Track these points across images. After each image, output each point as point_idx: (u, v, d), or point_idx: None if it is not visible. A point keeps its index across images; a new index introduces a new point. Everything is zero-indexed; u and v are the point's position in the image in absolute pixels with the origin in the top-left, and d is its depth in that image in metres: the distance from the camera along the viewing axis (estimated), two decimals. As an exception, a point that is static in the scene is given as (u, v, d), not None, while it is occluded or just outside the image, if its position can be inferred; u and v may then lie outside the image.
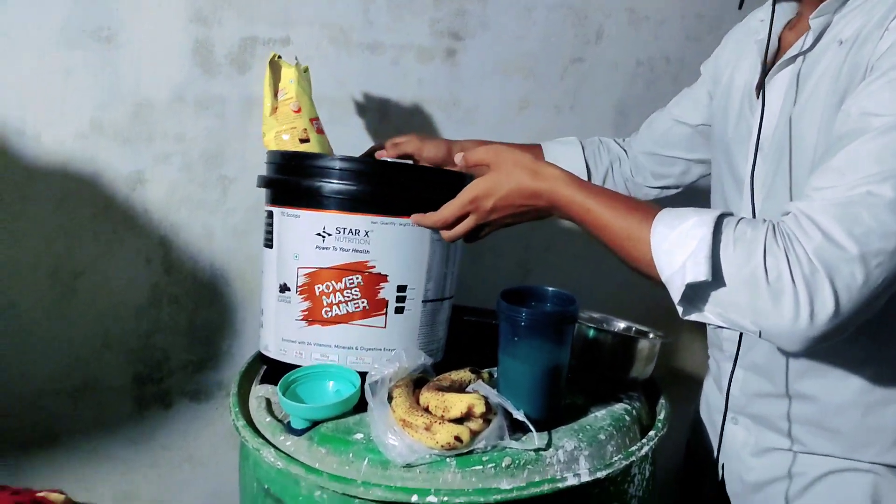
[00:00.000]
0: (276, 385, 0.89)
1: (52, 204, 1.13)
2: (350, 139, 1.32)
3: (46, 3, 1.07)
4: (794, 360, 0.87)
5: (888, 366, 0.82)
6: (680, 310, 0.70)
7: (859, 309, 0.64)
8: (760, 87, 0.87)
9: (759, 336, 0.67)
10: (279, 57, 1.03)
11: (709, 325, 0.73)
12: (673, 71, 1.56)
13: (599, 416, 0.90)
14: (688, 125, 1.09)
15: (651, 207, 0.75)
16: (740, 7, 0.95)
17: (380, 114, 1.34)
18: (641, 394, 1.00)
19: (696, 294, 0.68)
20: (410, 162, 1.11)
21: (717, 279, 0.66)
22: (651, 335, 1.03)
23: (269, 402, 0.93)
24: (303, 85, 1.04)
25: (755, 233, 0.66)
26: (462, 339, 1.10)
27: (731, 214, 0.70)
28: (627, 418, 0.91)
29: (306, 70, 1.08)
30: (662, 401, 0.98)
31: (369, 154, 1.14)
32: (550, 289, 0.89)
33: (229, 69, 1.20)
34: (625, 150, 1.19)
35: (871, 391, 0.83)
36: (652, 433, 0.89)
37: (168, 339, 1.26)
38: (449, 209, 0.86)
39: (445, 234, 0.89)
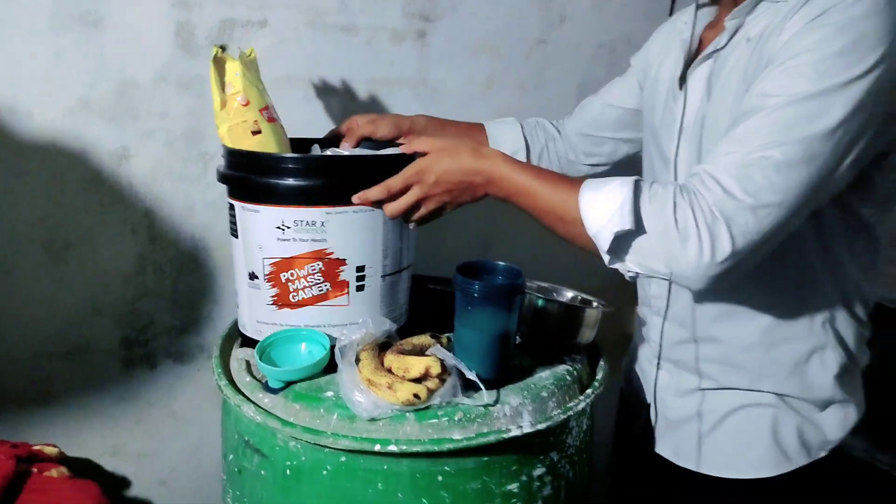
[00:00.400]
0: (254, 349, 0.99)
1: (44, 178, 1.21)
2: (324, 117, 1.40)
3: (36, -12, 1.13)
4: (709, 308, 1.00)
5: (784, 310, 0.96)
6: (606, 258, 0.83)
7: (752, 251, 0.77)
8: (683, 79, 0.99)
9: (671, 279, 0.80)
10: (222, 50, 1.05)
11: (630, 277, 0.86)
12: (633, 52, 1.63)
13: (544, 377, 1.01)
14: (618, 108, 1.20)
15: (577, 179, 0.87)
16: (671, 13, 1.05)
17: (353, 92, 1.42)
18: (584, 356, 1.12)
19: (620, 245, 0.81)
20: (360, 150, 1.17)
21: (637, 230, 0.79)
22: (595, 304, 1.14)
23: (248, 363, 1.03)
24: (248, 77, 1.05)
25: (665, 190, 0.79)
26: (427, 306, 1.20)
27: (645, 180, 0.82)
28: (569, 378, 1.02)
29: (251, 54, 1.10)
30: (602, 363, 1.09)
31: (331, 137, 1.20)
32: (501, 263, 0.99)
33: (209, 50, 1.27)
34: (559, 131, 1.29)
35: (770, 332, 0.97)
36: (589, 391, 1.01)
37: (153, 304, 1.35)
38: (394, 180, 0.94)
39: (388, 206, 0.96)
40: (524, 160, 1.23)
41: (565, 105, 1.63)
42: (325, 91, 1.39)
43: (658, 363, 1.10)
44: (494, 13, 1.50)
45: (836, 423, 0.98)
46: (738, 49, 0.90)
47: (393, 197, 0.95)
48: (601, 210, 0.80)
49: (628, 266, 0.83)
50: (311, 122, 1.38)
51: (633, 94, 1.18)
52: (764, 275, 0.90)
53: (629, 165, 1.25)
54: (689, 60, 0.99)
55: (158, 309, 1.36)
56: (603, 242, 0.81)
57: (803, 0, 0.80)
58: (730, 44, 0.92)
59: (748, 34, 0.89)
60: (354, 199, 0.96)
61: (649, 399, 1.12)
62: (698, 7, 1.00)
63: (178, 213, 1.32)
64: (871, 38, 0.74)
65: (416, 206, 0.96)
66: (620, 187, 0.80)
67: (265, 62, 1.30)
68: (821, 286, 0.94)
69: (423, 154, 0.95)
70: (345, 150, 1.16)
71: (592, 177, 0.97)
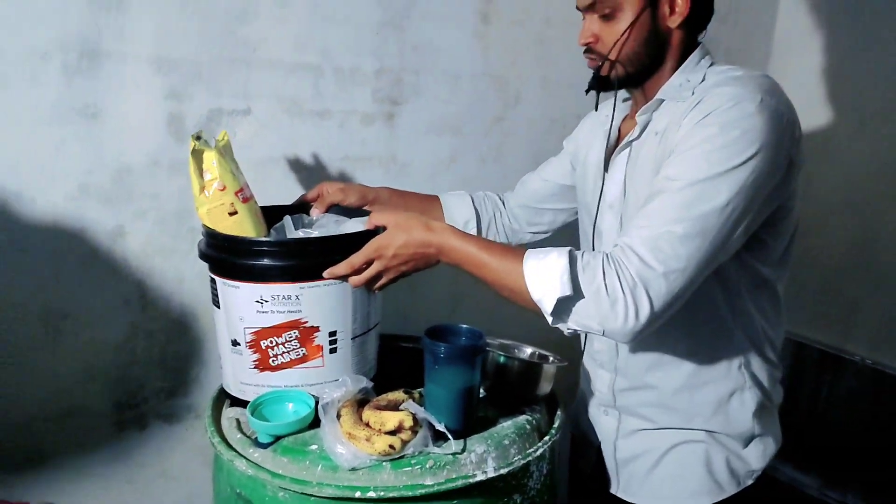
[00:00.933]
0: (243, 408, 1.09)
1: (45, 255, 1.31)
2: (302, 190, 1.53)
3: (41, 85, 1.25)
4: (642, 359, 1.15)
5: (704, 357, 1.12)
6: (550, 320, 0.97)
7: (666, 308, 0.93)
8: (606, 164, 1.16)
9: (603, 334, 0.95)
10: (199, 139, 1.14)
11: (568, 333, 1.00)
12: (582, 126, 1.82)
13: (506, 426, 1.13)
14: (554, 184, 1.38)
15: (519, 249, 1.01)
16: (596, 108, 1.22)
17: (327, 169, 1.56)
18: (543, 406, 1.24)
19: (562, 308, 0.95)
20: (329, 216, 1.31)
21: (575, 294, 0.93)
22: (551, 359, 1.27)
23: (238, 421, 1.14)
24: (224, 164, 1.14)
25: (595, 260, 0.94)
26: (400, 363, 1.32)
27: (577, 250, 0.97)
28: (528, 427, 1.14)
29: (224, 138, 1.19)
30: (559, 412, 1.22)
31: (301, 202, 1.34)
32: (464, 326, 1.12)
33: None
34: (503, 203, 1.45)
35: (695, 376, 1.12)
36: (547, 438, 1.13)
37: (143, 369, 1.44)
38: (356, 257, 1.08)
39: (353, 279, 1.10)
40: (475, 229, 1.38)
41: (523, 174, 1.79)
42: (302, 169, 1.53)
43: (604, 409, 1.23)
44: (455, 96, 1.66)
45: (758, 454, 1.13)
46: (649, 141, 1.07)
47: (357, 271, 1.09)
48: (543, 279, 0.95)
49: (569, 325, 0.97)
50: (289, 194, 1.51)
51: (567, 172, 1.35)
52: (684, 328, 1.07)
53: (567, 232, 1.41)
54: (612, 148, 1.17)
55: (148, 373, 1.45)
56: (547, 306, 0.95)
57: (695, 102, 0.98)
58: (642, 136, 1.09)
59: (656, 128, 1.06)
60: (325, 274, 1.09)
61: (597, 441, 1.25)
62: (615, 106, 1.18)
63: (168, 285, 1.43)
64: (749, 134, 0.92)
65: (377, 276, 1.10)
66: (558, 258, 0.95)
67: (248, 146, 1.45)
68: (733, 335, 1.10)
69: (383, 228, 1.09)
70: (314, 214, 1.30)
71: (535, 244, 1.13)
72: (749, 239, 1.00)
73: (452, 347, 1.07)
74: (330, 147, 1.55)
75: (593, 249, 1.21)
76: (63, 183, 1.30)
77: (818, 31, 1.90)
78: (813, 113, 1.95)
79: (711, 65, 1.07)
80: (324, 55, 1.49)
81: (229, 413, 1.17)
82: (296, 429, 1.08)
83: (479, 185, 1.74)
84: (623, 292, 0.91)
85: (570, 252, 0.96)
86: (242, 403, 1.14)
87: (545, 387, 1.22)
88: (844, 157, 1.89)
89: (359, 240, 1.11)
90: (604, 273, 0.92)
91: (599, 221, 1.19)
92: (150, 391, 1.46)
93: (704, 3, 1.06)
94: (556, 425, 1.17)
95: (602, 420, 1.24)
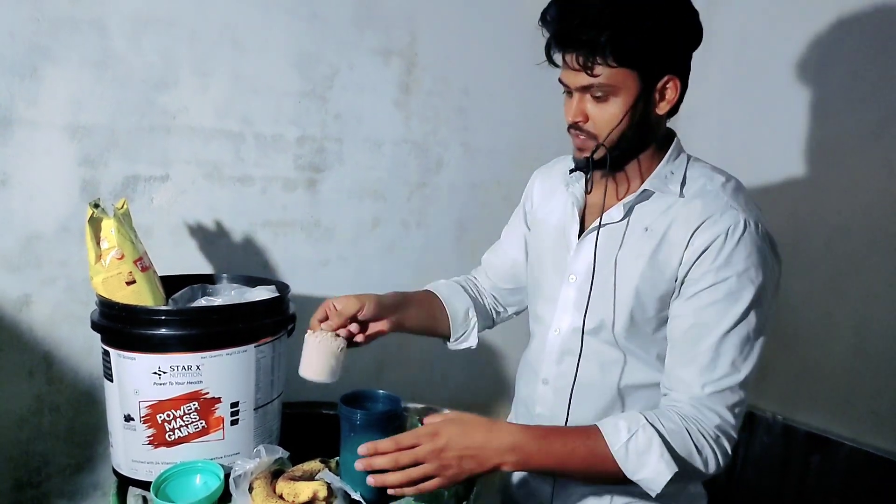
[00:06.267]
0: (139, 488, 1.05)
1: (-58, 327, 1.25)
2: (222, 258, 1.52)
3: (-55, 151, 1.23)
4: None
5: None
6: (655, 494, 0.98)
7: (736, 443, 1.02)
8: (579, 235, 1.14)
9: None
10: (97, 207, 1.12)
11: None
12: (503, 192, 1.88)
13: (424, 495, 1.12)
14: (516, 262, 1.33)
15: (592, 431, 0.99)
16: (588, 191, 1.15)
17: (249, 235, 1.55)
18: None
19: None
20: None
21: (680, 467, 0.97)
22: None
23: (144, 499, 1.09)
24: (123, 232, 1.12)
25: (677, 426, 0.98)
26: (320, 430, 1.29)
27: (646, 413, 0.99)
28: (446, 494, 1.14)
29: (123, 206, 1.17)
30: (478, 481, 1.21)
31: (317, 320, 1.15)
32: (382, 392, 1.12)
33: (114, 202, 1.38)
34: (478, 286, 1.40)
35: None
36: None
37: (48, 444, 1.37)
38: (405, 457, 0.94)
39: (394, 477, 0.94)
40: (475, 316, 1.32)
41: (445, 239, 1.83)
42: (222, 234, 1.52)
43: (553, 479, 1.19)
44: (377, 163, 1.70)
45: None
46: (637, 234, 1.07)
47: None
48: (642, 464, 0.96)
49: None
50: (209, 261, 1.50)
51: (524, 242, 1.31)
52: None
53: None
54: (580, 217, 1.15)
55: (53, 448, 1.38)
56: (655, 489, 0.97)
57: (695, 217, 1.03)
58: (626, 223, 1.09)
59: (643, 221, 1.07)
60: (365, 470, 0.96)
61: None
62: (588, 181, 1.14)
63: (76, 355, 1.38)
64: (756, 264, 1.00)
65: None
66: (645, 436, 0.96)
67: (166, 211, 1.44)
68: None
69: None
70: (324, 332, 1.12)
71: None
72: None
73: (368, 414, 1.06)
74: (251, 212, 1.55)
75: (546, 315, 1.19)
76: (-35, 251, 1.26)
77: (719, 102, 2.02)
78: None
79: (689, 157, 1.11)
80: (245, 122, 1.51)
81: (135, 491, 1.12)
82: (206, 504, 1.04)
83: (403, 250, 1.77)
84: (712, 447, 0.99)
85: (646, 421, 0.98)
86: (135, 484, 1.09)
87: (464, 451, 1.21)
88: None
89: (267, 306, 1.10)
90: (690, 435, 0.98)
91: (556, 291, 1.17)
92: (54, 468, 1.39)
93: (684, 91, 1.07)
94: (474, 492, 1.17)
95: (534, 484, 1.23)
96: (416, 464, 0.94)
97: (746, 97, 1.91)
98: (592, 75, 0.99)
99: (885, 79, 1.60)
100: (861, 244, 1.65)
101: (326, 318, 1.12)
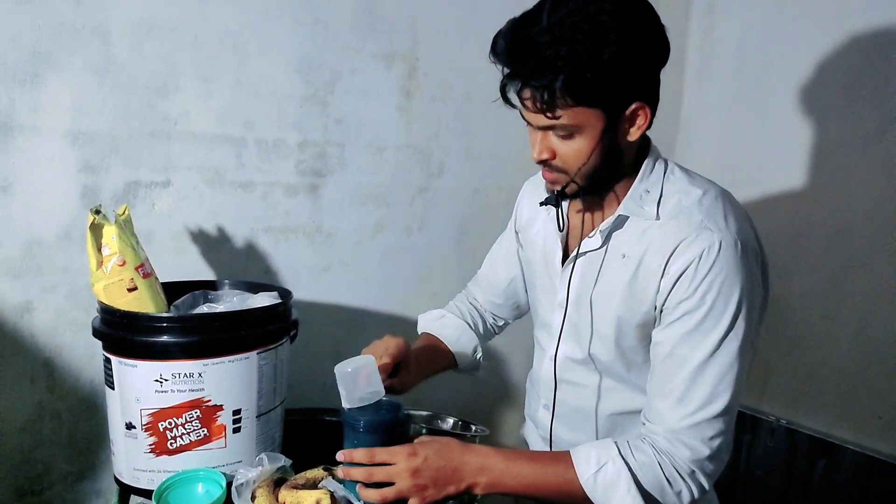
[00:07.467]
0: (143, 497, 1.04)
1: (-57, 334, 1.25)
2: (223, 264, 1.52)
3: (-54, 158, 1.22)
4: (577, 438, 1.14)
5: None
6: None
7: (715, 477, 1.00)
8: (563, 262, 1.13)
9: None
10: (98, 213, 1.11)
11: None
12: (505, 196, 1.87)
13: None
14: (515, 279, 1.33)
15: (563, 457, 0.99)
16: (560, 228, 1.14)
17: (250, 240, 1.55)
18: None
19: None
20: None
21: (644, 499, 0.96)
22: (474, 429, 1.27)
23: (147, 507, 1.08)
24: (124, 238, 1.12)
25: (649, 459, 0.96)
26: (323, 437, 1.28)
27: (620, 443, 0.98)
28: (451, 501, 1.12)
29: (125, 212, 1.17)
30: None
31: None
32: (385, 399, 1.11)
33: (115, 208, 1.37)
34: (475, 304, 1.41)
35: None
36: (468, 510, 1.11)
37: (49, 452, 1.37)
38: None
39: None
40: (481, 350, 1.34)
41: (447, 244, 1.83)
42: (224, 240, 1.51)
43: None
44: (380, 168, 1.69)
45: None
46: (615, 262, 1.05)
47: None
48: (612, 499, 0.95)
49: None
50: (211, 266, 1.49)
51: (516, 258, 1.31)
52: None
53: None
54: (563, 243, 1.13)
55: (55, 456, 1.37)
56: None
57: (670, 241, 0.98)
58: (604, 251, 1.06)
59: (621, 249, 1.04)
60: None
61: None
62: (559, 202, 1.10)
63: (77, 362, 1.37)
64: (734, 287, 0.95)
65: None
66: (614, 467, 0.96)
67: (167, 217, 1.44)
68: None
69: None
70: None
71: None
72: None
73: (371, 420, 1.05)
74: (252, 218, 1.54)
75: (543, 340, 1.20)
76: (-34, 258, 1.25)
77: (720, 107, 2.02)
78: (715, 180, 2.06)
79: (665, 167, 1.06)
80: (247, 128, 1.50)
81: (138, 499, 1.11)
82: (207, 514, 1.03)
83: (405, 254, 1.76)
84: (685, 481, 0.97)
85: (617, 452, 0.97)
86: (137, 492, 1.08)
87: (468, 458, 1.21)
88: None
89: (267, 313, 1.09)
90: (661, 468, 0.96)
91: (550, 317, 1.17)
92: (56, 475, 1.38)
93: (656, 109, 1.00)
94: (478, 499, 1.16)
95: None
96: (390, 482, 0.96)
97: (747, 103, 1.91)
98: (553, 117, 0.94)
99: (883, 84, 1.60)
100: (862, 246, 1.65)
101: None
